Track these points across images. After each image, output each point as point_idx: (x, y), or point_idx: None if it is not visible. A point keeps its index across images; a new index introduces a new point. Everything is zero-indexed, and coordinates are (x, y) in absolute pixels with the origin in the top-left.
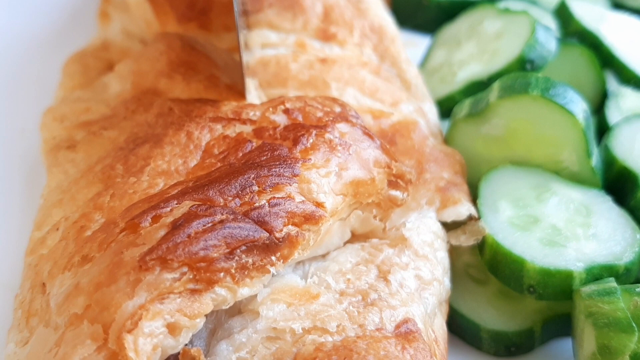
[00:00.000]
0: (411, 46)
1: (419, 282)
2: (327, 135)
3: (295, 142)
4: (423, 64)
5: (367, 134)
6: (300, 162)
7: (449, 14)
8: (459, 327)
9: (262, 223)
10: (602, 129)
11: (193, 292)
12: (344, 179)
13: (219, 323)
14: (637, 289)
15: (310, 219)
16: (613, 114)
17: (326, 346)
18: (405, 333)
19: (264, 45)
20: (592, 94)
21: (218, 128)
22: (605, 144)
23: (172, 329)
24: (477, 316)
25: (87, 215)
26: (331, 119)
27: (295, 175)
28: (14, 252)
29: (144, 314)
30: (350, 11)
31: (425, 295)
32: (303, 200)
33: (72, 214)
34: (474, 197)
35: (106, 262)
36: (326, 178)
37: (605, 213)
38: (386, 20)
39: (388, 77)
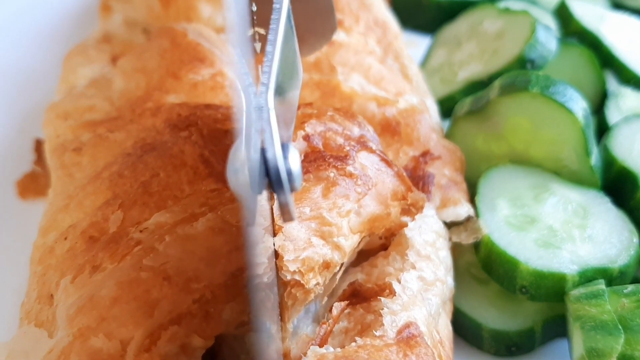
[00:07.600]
0: (411, 46)
1: (421, 283)
2: (349, 169)
3: (317, 180)
4: (423, 64)
5: (385, 160)
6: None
7: (449, 14)
8: (460, 326)
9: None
10: (602, 129)
11: (207, 313)
12: (362, 217)
13: None
14: (625, 290)
15: (327, 266)
16: (613, 114)
17: (327, 357)
18: (407, 338)
19: None
20: (592, 94)
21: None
22: (605, 144)
23: (185, 348)
24: (478, 315)
25: (95, 225)
26: (352, 145)
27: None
28: (13, 253)
29: (163, 334)
30: (356, 3)
31: (429, 297)
32: (323, 244)
33: (80, 222)
34: (473, 195)
35: (123, 277)
36: (346, 218)
37: (603, 215)
38: (389, 18)
39: (392, 69)
